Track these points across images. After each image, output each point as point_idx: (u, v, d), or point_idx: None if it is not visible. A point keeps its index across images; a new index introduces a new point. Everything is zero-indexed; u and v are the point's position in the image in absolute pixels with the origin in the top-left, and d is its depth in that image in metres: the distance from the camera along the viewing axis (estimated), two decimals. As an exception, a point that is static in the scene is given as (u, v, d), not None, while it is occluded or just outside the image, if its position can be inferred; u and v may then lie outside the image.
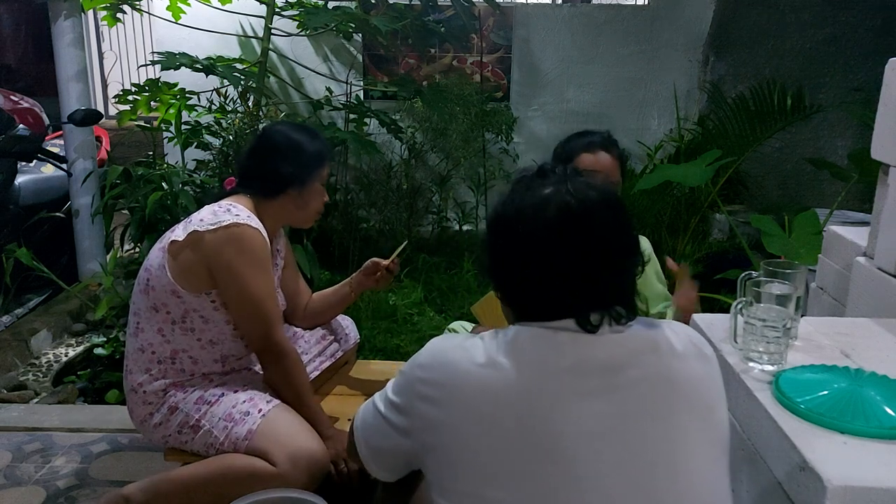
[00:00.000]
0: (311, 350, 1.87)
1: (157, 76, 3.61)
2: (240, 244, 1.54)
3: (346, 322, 2.04)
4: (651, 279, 1.94)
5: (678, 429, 0.89)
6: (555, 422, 0.87)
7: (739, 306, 1.24)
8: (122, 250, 3.54)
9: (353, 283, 1.90)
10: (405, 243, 1.83)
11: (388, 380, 1.03)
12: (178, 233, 1.59)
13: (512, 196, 0.98)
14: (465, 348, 0.93)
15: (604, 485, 0.86)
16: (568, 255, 0.92)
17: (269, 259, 1.60)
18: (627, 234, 0.96)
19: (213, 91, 3.46)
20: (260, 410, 1.57)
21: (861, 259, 1.71)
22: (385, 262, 1.84)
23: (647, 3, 4.16)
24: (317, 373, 1.86)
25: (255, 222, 1.58)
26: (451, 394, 0.91)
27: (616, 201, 0.96)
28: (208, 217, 1.57)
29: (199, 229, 1.55)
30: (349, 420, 1.16)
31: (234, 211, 1.58)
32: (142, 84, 3.38)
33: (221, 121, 3.39)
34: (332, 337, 1.95)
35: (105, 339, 2.89)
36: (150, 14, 3.73)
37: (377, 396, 1.05)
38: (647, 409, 0.89)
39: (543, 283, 0.93)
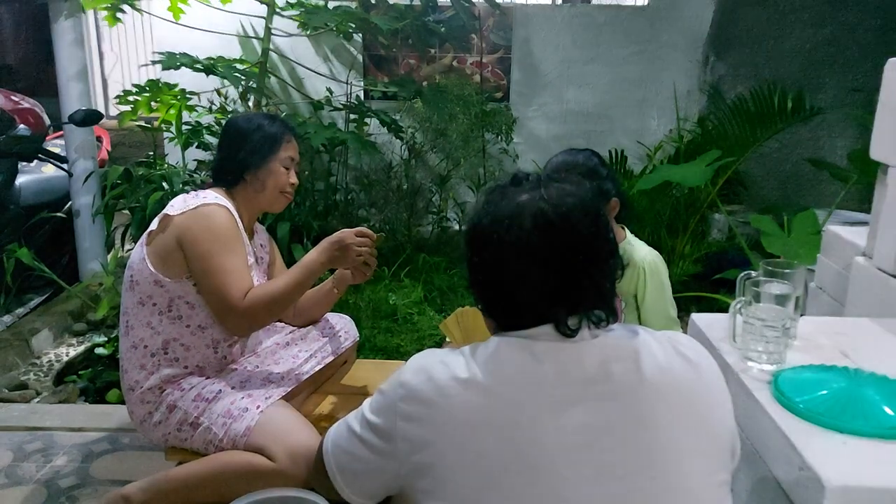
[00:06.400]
0: (311, 347, 1.87)
1: (158, 76, 3.61)
2: (207, 221, 1.60)
3: (342, 321, 2.04)
4: (653, 302, 1.84)
5: (666, 438, 0.88)
6: (537, 433, 0.87)
7: (739, 306, 1.24)
8: (122, 250, 3.54)
9: (335, 279, 1.90)
10: (382, 234, 1.82)
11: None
12: (153, 224, 1.66)
13: (487, 206, 0.96)
14: (447, 363, 0.92)
15: (587, 496, 0.86)
16: (545, 262, 0.91)
17: (236, 236, 1.64)
18: (603, 238, 0.95)
19: (213, 91, 3.47)
20: (258, 406, 1.58)
21: (860, 259, 1.71)
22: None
23: (647, 3, 4.16)
24: (317, 369, 1.85)
25: (224, 202, 1.65)
26: (435, 410, 0.89)
27: (591, 205, 0.95)
28: (178, 203, 1.64)
29: (169, 213, 1.62)
30: None
31: (202, 195, 1.65)
32: (142, 84, 3.38)
33: (222, 121, 3.39)
34: (328, 337, 1.95)
35: (106, 338, 2.89)
36: (150, 14, 3.73)
37: (351, 417, 1.01)
38: (631, 418, 0.88)
39: (522, 291, 0.93)
